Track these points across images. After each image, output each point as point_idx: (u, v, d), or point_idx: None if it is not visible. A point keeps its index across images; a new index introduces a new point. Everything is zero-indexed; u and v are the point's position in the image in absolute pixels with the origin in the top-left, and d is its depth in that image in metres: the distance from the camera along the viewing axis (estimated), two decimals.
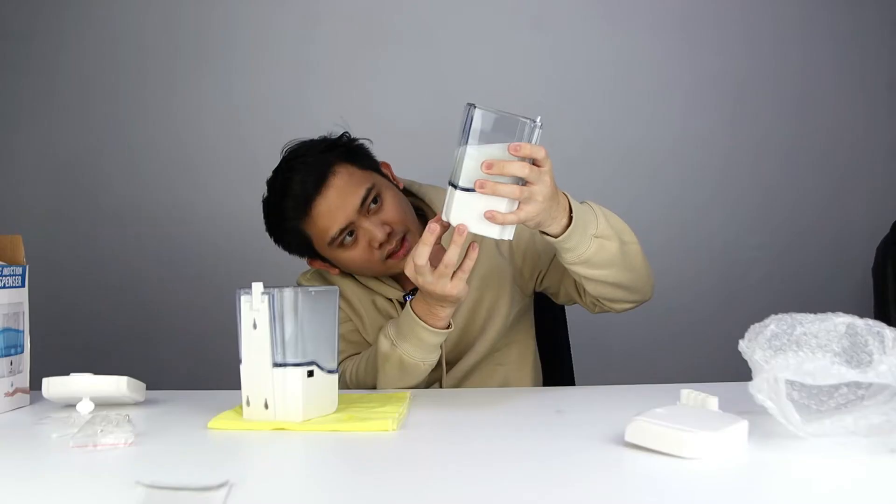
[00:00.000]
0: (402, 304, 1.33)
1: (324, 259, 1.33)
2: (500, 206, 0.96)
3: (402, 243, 1.26)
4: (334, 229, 1.25)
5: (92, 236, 2.32)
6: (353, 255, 1.27)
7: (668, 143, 2.25)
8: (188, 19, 2.30)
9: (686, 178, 2.25)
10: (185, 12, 2.30)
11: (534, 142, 0.95)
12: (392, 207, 1.27)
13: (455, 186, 0.96)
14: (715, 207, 2.25)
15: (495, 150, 0.94)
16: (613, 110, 2.25)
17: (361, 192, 1.25)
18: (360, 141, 1.35)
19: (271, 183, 1.30)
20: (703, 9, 2.25)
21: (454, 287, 1.05)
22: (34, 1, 2.30)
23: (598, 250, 1.09)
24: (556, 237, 1.06)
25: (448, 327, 1.15)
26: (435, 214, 1.32)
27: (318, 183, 1.24)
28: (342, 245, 1.26)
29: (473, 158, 0.94)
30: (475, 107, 0.94)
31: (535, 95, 2.23)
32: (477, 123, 0.94)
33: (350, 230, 1.25)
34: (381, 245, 1.25)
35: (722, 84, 2.25)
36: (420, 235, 1.07)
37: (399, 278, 1.36)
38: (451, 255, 1.02)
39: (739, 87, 2.25)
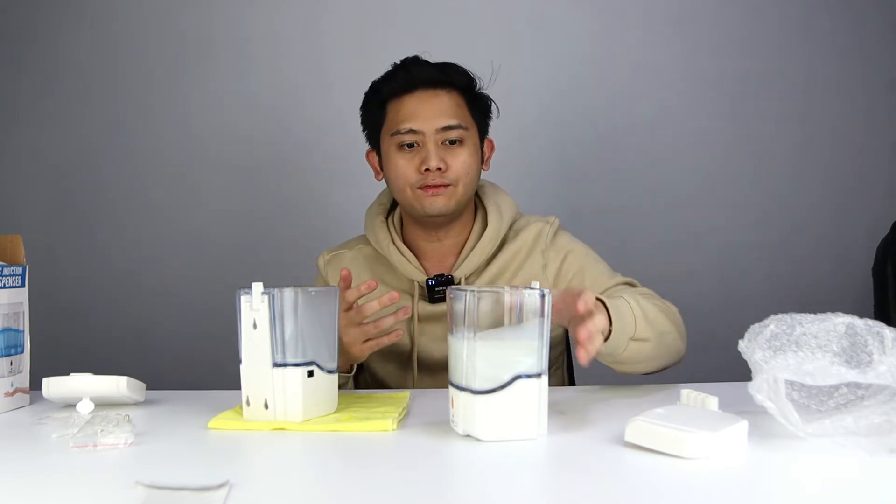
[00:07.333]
0: (424, 289, 1.32)
1: (379, 152, 1.36)
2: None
3: (443, 187, 1.28)
4: (406, 126, 1.28)
5: (92, 236, 2.32)
6: (401, 162, 1.30)
7: (668, 144, 2.25)
8: (187, 19, 2.30)
9: (686, 178, 2.25)
10: (183, 12, 2.30)
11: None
12: (461, 159, 1.29)
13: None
14: (715, 207, 2.25)
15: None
16: (614, 110, 2.25)
17: (451, 122, 1.28)
18: (492, 102, 1.38)
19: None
20: (704, 10, 2.25)
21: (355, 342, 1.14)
22: (33, 1, 2.30)
23: (634, 352, 1.10)
24: None
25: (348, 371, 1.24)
26: (481, 209, 1.38)
27: (426, 83, 1.29)
28: (401, 146, 1.29)
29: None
30: None
31: (535, 95, 2.23)
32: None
33: (416, 140, 1.29)
34: (426, 171, 1.27)
35: (723, 84, 2.25)
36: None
37: (423, 259, 1.36)
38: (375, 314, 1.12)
39: (740, 88, 2.25)
